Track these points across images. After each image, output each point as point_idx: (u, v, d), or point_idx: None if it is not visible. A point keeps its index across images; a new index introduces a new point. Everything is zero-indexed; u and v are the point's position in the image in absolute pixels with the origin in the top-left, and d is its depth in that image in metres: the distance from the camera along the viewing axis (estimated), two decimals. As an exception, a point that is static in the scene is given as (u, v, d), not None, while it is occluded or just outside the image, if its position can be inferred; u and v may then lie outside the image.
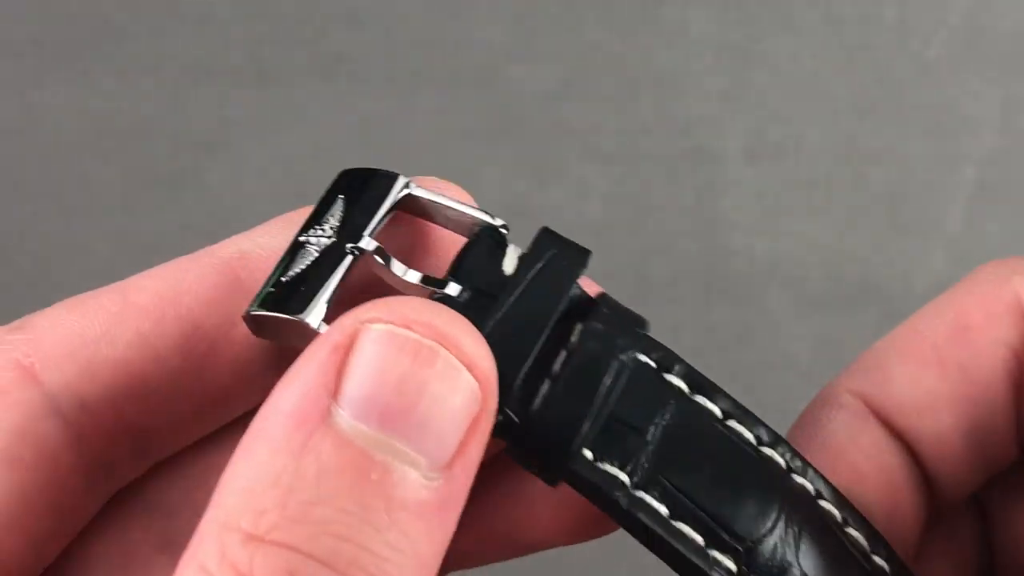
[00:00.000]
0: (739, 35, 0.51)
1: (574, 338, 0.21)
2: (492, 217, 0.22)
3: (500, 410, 0.20)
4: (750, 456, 0.21)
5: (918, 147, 0.50)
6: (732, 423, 0.21)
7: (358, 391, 0.18)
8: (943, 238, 0.50)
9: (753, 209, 0.50)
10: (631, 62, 0.51)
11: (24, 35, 0.51)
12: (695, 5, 0.51)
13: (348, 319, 0.19)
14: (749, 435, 0.21)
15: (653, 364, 0.21)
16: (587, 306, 0.21)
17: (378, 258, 0.21)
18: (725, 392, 0.21)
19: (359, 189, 0.23)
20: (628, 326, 0.21)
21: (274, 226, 0.24)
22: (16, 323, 0.23)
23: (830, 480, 0.21)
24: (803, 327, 0.49)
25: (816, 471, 0.21)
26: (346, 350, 0.18)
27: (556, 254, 0.22)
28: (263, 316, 0.21)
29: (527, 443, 0.20)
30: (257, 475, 0.18)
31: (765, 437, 0.21)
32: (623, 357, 0.21)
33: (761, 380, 0.48)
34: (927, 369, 0.24)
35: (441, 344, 0.18)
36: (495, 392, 0.19)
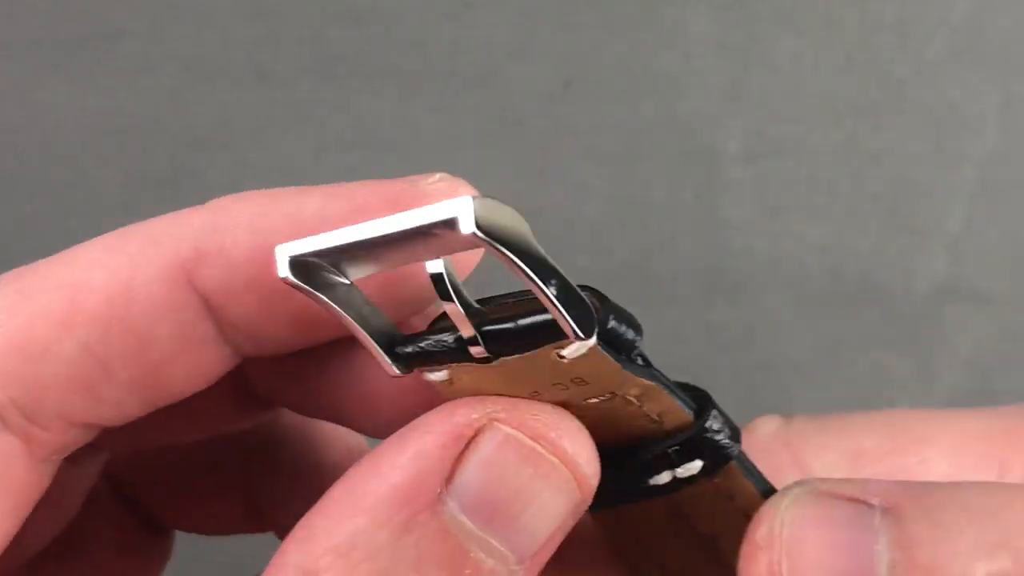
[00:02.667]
0: (739, 35, 0.51)
1: None
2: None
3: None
4: None
5: (918, 147, 0.50)
6: None
7: (472, 486, 0.19)
8: (943, 238, 0.50)
9: (753, 209, 0.50)
10: (631, 62, 0.51)
11: (24, 35, 0.51)
12: (695, 5, 0.51)
13: (476, 411, 0.19)
14: None
15: None
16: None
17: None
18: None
19: None
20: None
21: (235, 219, 0.22)
22: None
23: None
24: (803, 327, 0.49)
25: None
26: (468, 441, 0.19)
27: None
28: None
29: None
30: (353, 541, 0.18)
31: None
32: None
33: (761, 380, 0.48)
34: None
35: (561, 460, 0.19)
36: (591, 497, 0.20)
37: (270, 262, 0.20)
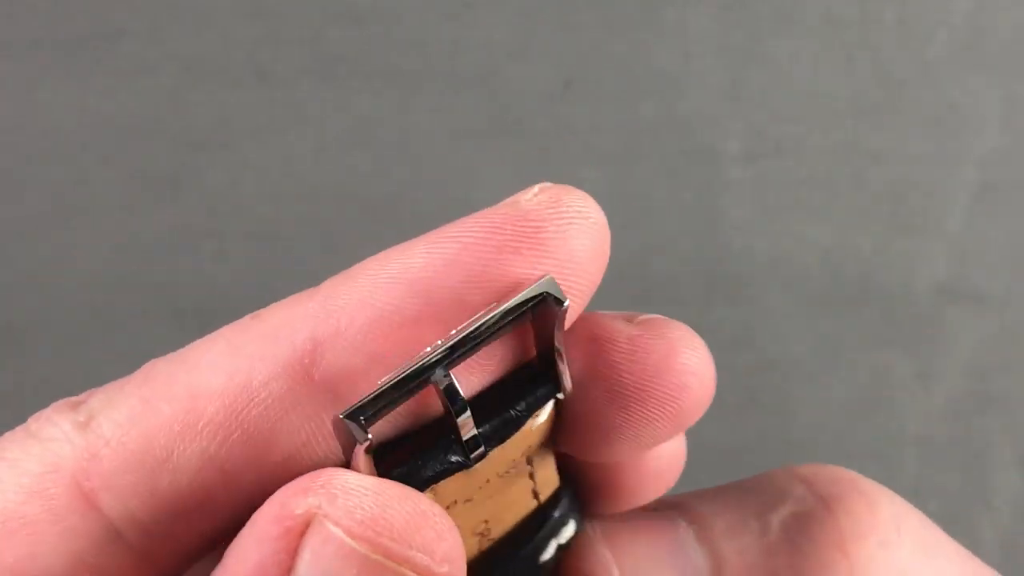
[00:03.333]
0: (739, 35, 0.51)
1: None
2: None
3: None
4: None
5: (918, 147, 0.50)
6: None
7: None
8: (943, 238, 0.50)
9: (753, 209, 0.50)
10: (631, 62, 0.51)
11: (24, 35, 0.51)
12: (695, 5, 0.51)
13: (301, 504, 0.18)
14: None
15: None
16: None
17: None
18: None
19: None
20: None
21: (350, 301, 0.21)
22: (79, 413, 0.21)
23: None
24: (803, 327, 0.49)
25: None
26: (300, 533, 0.18)
27: None
28: None
29: None
30: None
31: None
32: None
33: (761, 380, 0.48)
34: None
35: (389, 559, 0.18)
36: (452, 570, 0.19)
37: (390, 335, 0.20)
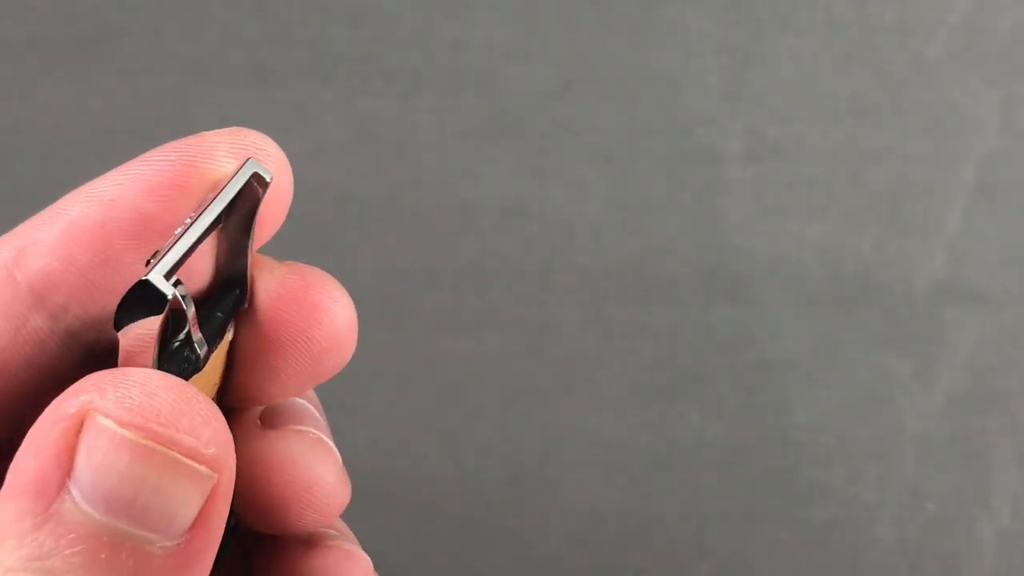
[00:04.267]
0: (739, 35, 0.51)
1: None
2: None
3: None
4: None
5: (918, 147, 0.50)
6: None
7: (84, 477, 0.19)
8: (943, 238, 0.50)
9: (753, 209, 0.50)
10: (631, 62, 0.51)
11: (24, 35, 0.51)
12: (695, 5, 0.51)
13: (74, 401, 0.19)
14: None
15: None
16: None
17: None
18: None
19: None
20: None
21: (47, 216, 0.24)
22: None
23: None
24: (803, 327, 0.49)
25: None
26: (76, 432, 0.19)
27: None
28: None
29: None
30: (5, 530, 0.19)
31: None
32: None
33: (761, 380, 0.48)
34: None
35: (158, 443, 0.19)
36: (231, 458, 0.20)
37: (78, 238, 0.23)
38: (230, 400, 0.24)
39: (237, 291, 0.23)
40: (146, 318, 0.20)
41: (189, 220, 0.21)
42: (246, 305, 0.23)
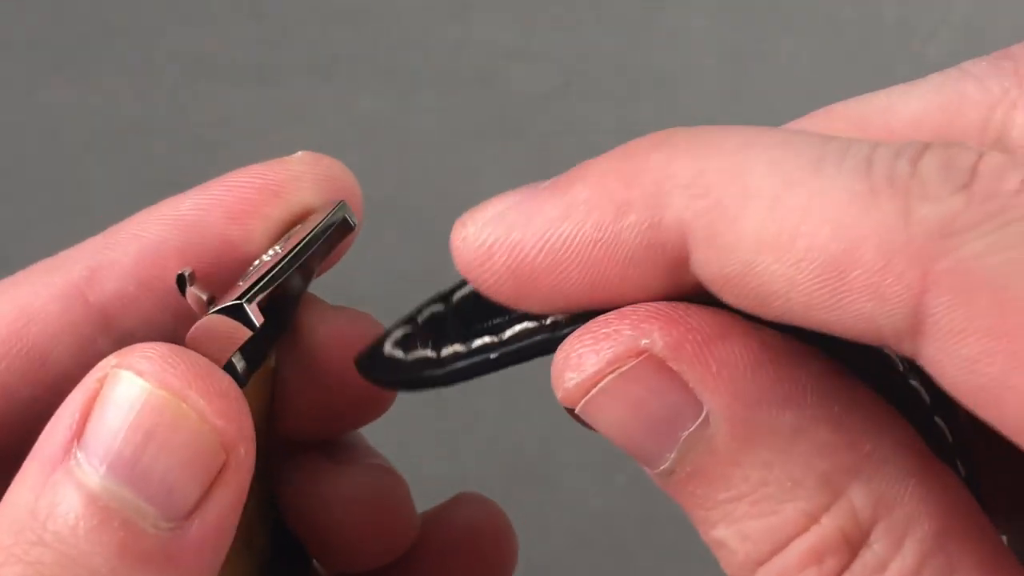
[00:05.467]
0: (739, 35, 0.51)
1: None
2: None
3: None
4: None
5: (918, 147, 0.50)
6: None
7: (92, 436, 0.19)
8: (943, 238, 0.50)
9: (753, 209, 0.50)
10: (631, 62, 0.51)
11: (24, 35, 0.51)
12: (695, 5, 0.51)
13: (102, 362, 0.19)
14: None
15: None
16: None
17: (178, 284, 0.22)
18: None
19: None
20: None
21: (123, 237, 0.23)
22: None
23: None
24: (803, 327, 0.49)
25: None
26: (94, 397, 0.19)
27: None
28: None
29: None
30: (5, 504, 0.19)
31: None
32: None
33: (761, 380, 0.48)
34: None
35: (174, 395, 0.19)
36: (243, 444, 0.19)
37: (157, 263, 0.22)
38: (285, 431, 0.24)
39: (278, 316, 0.22)
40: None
41: (275, 252, 0.21)
42: (287, 332, 0.23)
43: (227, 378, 0.19)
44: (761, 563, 0.18)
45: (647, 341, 0.18)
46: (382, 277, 0.48)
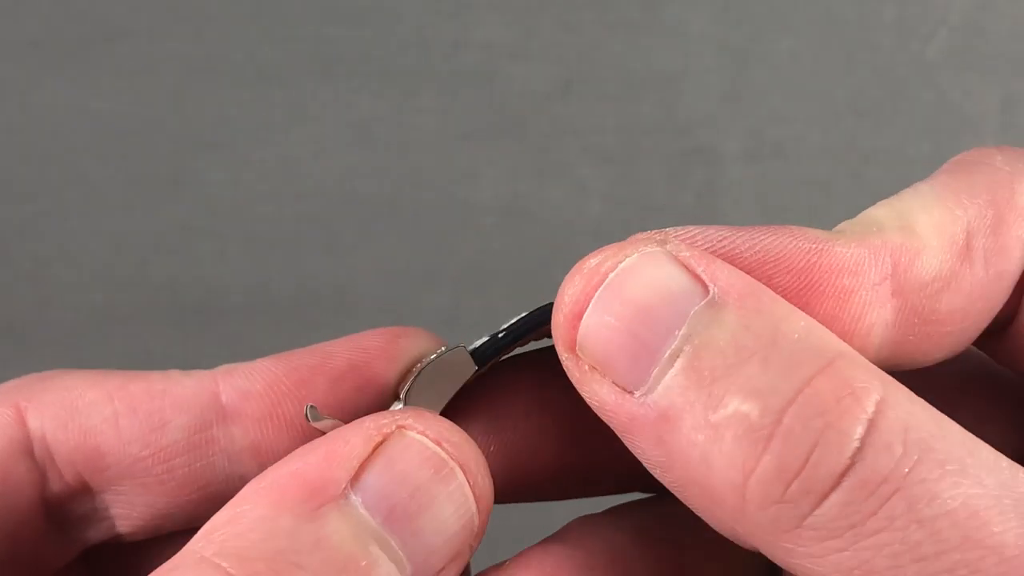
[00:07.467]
0: (739, 35, 0.51)
1: None
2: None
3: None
4: None
5: (918, 147, 0.50)
6: None
7: (375, 485, 0.20)
8: (943, 238, 0.50)
9: (753, 209, 0.50)
10: (631, 62, 0.51)
11: (24, 35, 0.51)
12: (695, 5, 0.51)
13: (386, 418, 0.21)
14: None
15: None
16: None
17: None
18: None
19: None
20: None
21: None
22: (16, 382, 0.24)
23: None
24: (803, 327, 0.49)
25: None
26: (376, 445, 0.20)
27: None
28: None
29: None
30: (252, 525, 0.19)
31: None
32: None
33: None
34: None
35: (461, 468, 0.21)
36: (485, 521, 0.21)
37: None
38: None
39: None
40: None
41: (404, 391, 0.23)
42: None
43: (478, 451, 0.21)
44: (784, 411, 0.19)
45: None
46: (382, 277, 0.48)
